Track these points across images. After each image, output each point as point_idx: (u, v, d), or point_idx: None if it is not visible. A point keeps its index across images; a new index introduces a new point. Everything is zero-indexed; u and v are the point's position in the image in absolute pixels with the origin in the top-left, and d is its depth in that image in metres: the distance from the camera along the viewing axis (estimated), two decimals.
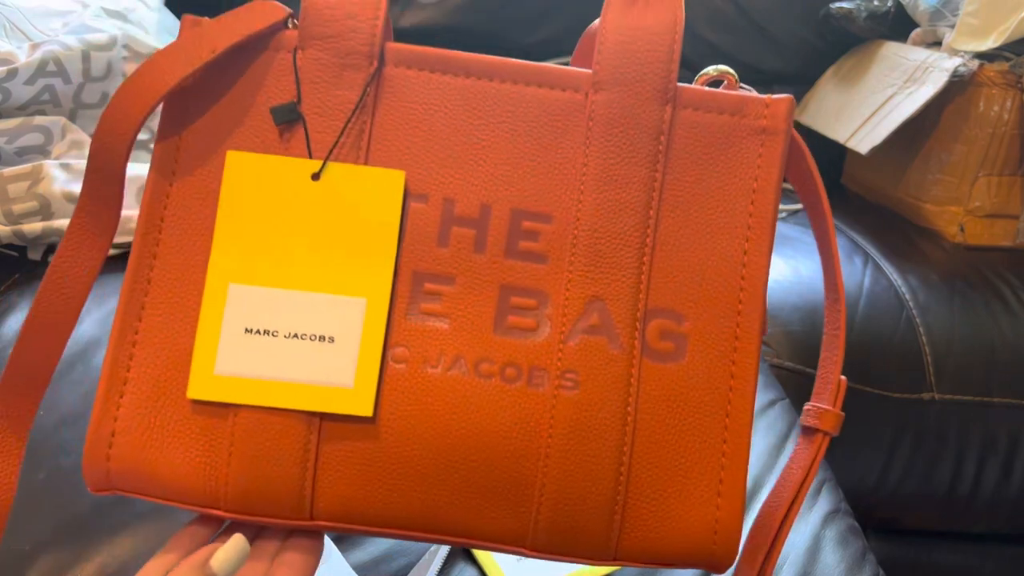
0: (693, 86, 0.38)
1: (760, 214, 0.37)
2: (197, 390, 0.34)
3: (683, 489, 0.35)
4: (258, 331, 0.34)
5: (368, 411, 0.34)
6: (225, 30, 0.34)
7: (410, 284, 0.35)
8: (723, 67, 0.39)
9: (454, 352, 0.35)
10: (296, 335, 0.34)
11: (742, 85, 0.39)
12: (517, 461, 0.34)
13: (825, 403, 0.41)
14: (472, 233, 0.36)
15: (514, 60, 0.37)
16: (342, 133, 0.35)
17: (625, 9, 0.37)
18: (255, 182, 0.35)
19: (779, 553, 0.39)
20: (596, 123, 0.36)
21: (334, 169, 0.35)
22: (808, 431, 0.41)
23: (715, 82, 0.40)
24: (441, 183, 0.36)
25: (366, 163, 0.35)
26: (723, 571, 0.36)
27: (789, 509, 0.39)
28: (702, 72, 0.40)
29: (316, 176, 0.35)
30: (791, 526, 0.39)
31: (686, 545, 0.35)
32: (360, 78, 0.35)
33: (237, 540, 0.33)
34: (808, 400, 0.41)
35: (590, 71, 0.36)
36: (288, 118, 0.35)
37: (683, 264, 0.36)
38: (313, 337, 0.34)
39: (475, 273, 0.35)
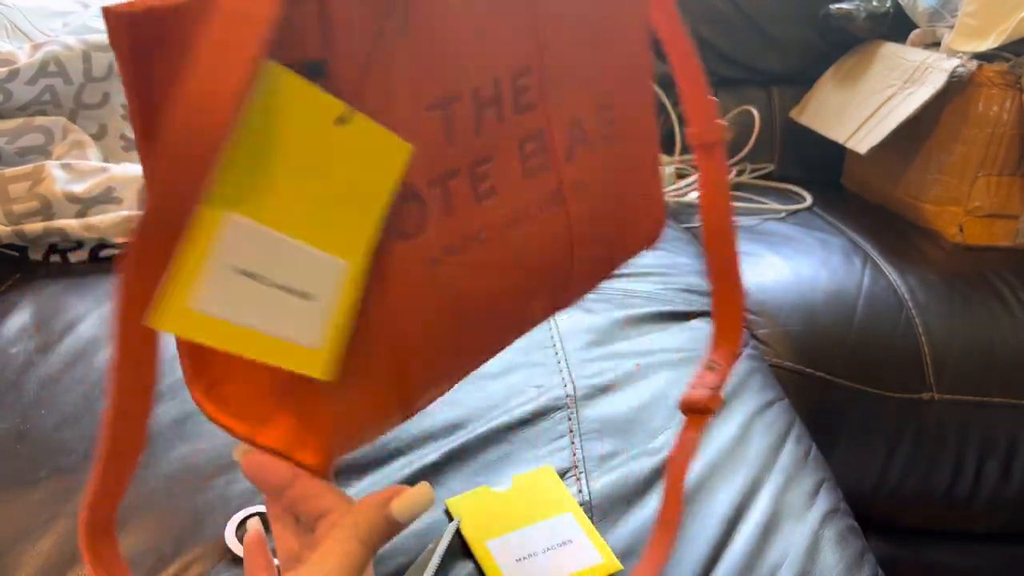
0: None
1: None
2: (162, 319, 0.30)
3: (637, 224, 0.47)
4: (243, 271, 0.31)
5: (328, 375, 0.33)
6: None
7: (470, 181, 0.38)
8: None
9: (510, 214, 0.40)
10: (279, 285, 0.32)
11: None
12: (558, 277, 0.43)
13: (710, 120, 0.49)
14: (494, 112, 0.38)
15: None
16: (371, 76, 0.33)
17: None
18: (280, 109, 0.31)
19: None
20: None
21: (357, 121, 0.33)
22: (707, 147, 0.48)
23: None
24: (468, 76, 0.37)
25: (394, 95, 0.34)
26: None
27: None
28: None
29: (342, 119, 0.32)
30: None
31: (639, 249, 0.48)
32: (393, 26, 0.33)
33: (423, 488, 0.33)
34: (811, 400, 0.41)
35: None
36: (318, 75, 0.32)
37: (608, 58, 0.43)
38: (295, 291, 0.32)
39: (502, 143, 0.39)
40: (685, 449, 0.45)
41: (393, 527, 0.32)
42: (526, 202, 0.40)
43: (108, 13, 0.29)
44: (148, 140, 0.31)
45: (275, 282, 0.32)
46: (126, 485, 0.33)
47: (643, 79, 0.46)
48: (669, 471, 0.46)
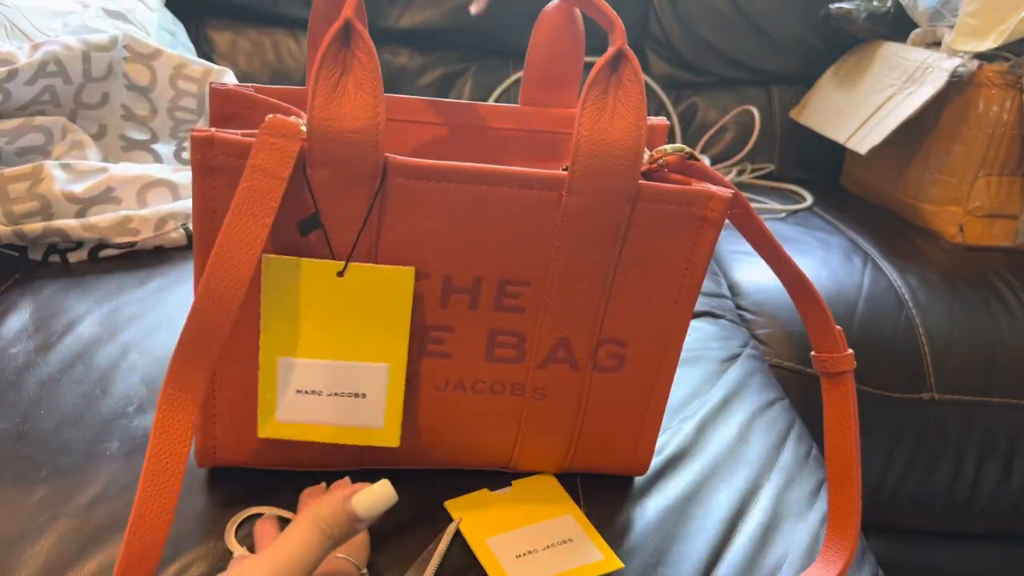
0: (651, 184, 0.43)
1: (691, 279, 0.46)
2: (265, 431, 0.44)
3: (613, 446, 0.50)
4: (306, 391, 0.43)
5: (396, 443, 0.45)
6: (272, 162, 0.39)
7: (420, 333, 0.45)
8: (678, 147, 0.44)
9: (456, 379, 0.46)
10: (336, 393, 0.43)
11: (695, 155, 0.44)
12: (499, 444, 0.49)
13: (837, 351, 0.48)
14: (467, 298, 0.44)
15: (499, 168, 0.42)
16: (356, 242, 0.42)
17: (596, 116, 0.41)
18: (289, 279, 0.41)
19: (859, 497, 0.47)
20: (568, 217, 0.43)
21: (355, 268, 0.42)
22: (832, 376, 0.48)
23: (661, 162, 0.45)
24: (441, 266, 0.43)
25: (377, 260, 0.42)
26: (643, 471, 0.52)
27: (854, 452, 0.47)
28: (658, 149, 0.45)
29: (340, 274, 0.42)
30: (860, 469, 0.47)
31: (616, 466, 0.51)
32: (366, 192, 0.41)
33: (383, 485, 0.33)
34: (811, 400, 0.42)
35: (564, 174, 0.42)
36: (311, 228, 0.41)
37: (630, 309, 0.46)
38: (350, 394, 0.43)
39: (469, 323, 0.45)
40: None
41: (354, 522, 0.33)
42: (480, 378, 0.46)
43: (192, 136, 0.40)
44: (201, 242, 0.42)
45: (333, 392, 0.43)
46: (155, 562, 0.37)
47: (665, 337, 0.47)
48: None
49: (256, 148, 0.38)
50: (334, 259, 0.42)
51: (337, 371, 0.42)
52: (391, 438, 0.44)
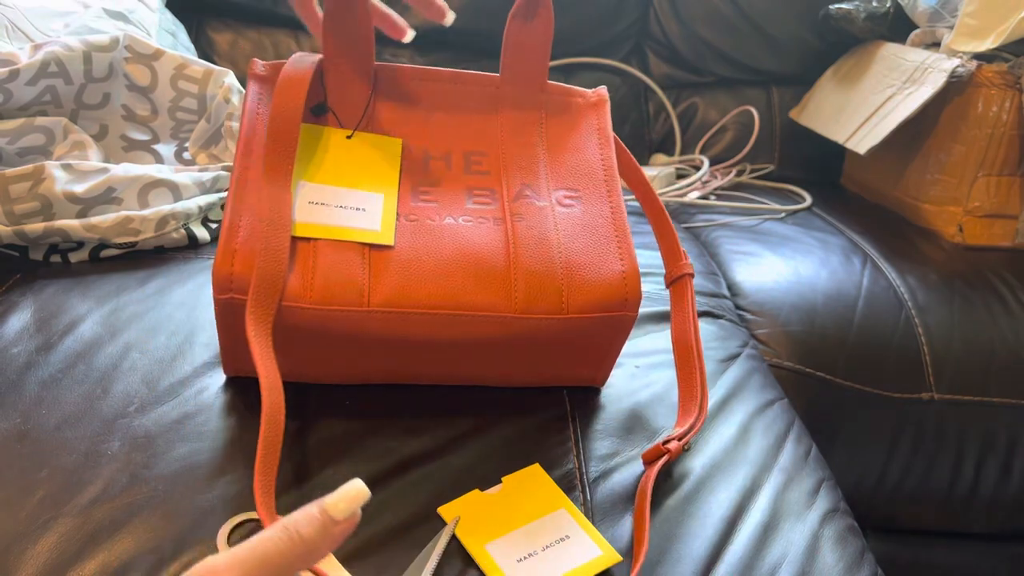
0: (554, 83, 0.62)
1: (604, 139, 0.61)
2: (294, 229, 0.53)
3: (598, 262, 0.55)
4: (317, 203, 0.54)
5: (390, 241, 0.53)
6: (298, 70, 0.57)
7: (410, 191, 0.57)
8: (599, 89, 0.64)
9: (445, 213, 0.56)
10: (341, 206, 0.54)
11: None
12: (496, 258, 0.54)
13: (679, 259, 0.62)
14: (443, 164, 0.59)
15: (455, 70, 0.61)
16: (361, 119, 0.59)
17: (519, 25, 0.60)
18: (316, 139, 0.58)
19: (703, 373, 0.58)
20: (505, 103, 0.61)
21: (358, 135, 0.59)
22: (676, 281, 0.62)
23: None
24: (419, 142, 0.59)
25: (371, 131, 0.59)
26: (634, 311, 0.55)
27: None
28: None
29: (349, 137, 0.58)
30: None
31: (608, 294, 0.54)
32: (365, 86, 0.60)
33: (354, 482, 0.33)
34: (810, 400, 0.42)
35: (498, 75, 0.61)
36: (321, 112, 0.59)
37: (567, 166, 0.60)
38: (352, 208, 0.54)
39: (449, 180, 0.58)
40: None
41: (327, 522, 0.32)
42: (465, 215, 0.56)
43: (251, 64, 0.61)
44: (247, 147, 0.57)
45: (339, 205, 0.55)
46: (280, 281, 0.50)
47: (605, 180, 0.60)
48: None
49: (291, 59, 0.58)
50: (342, 128, 0.59)
51: (342, 193, 0.55)
52: (386, 237, 0.53)
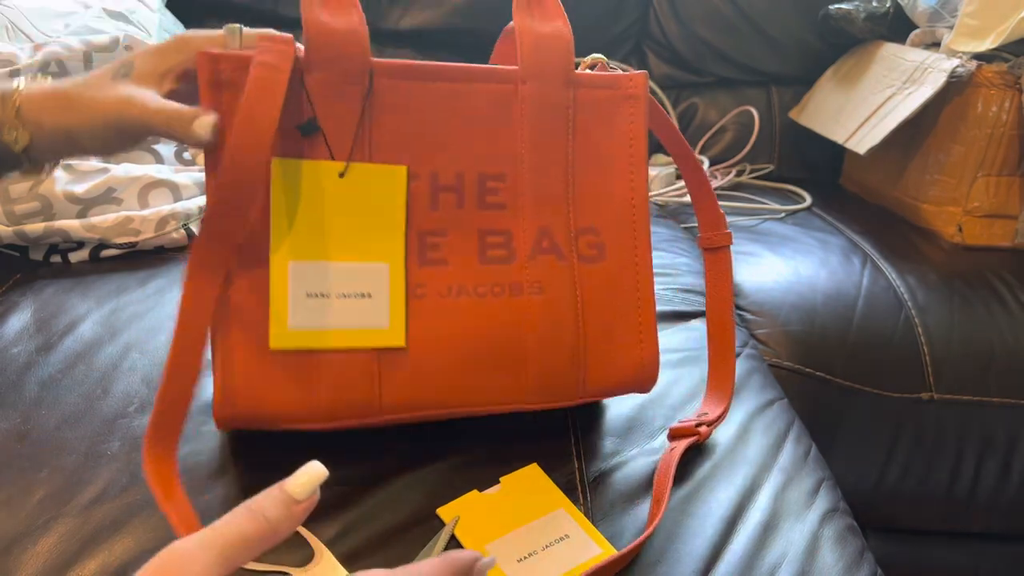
0: (582, 71, 0.52)
1: (637, 155, 0.53)
2: (278, 341, 0.45)
3: (617, 341, 0.53)
4: (315, 294, 0.45)
5: (401, 343, 0.47)
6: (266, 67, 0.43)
7: (417, 241, 0.49)
8: (595, 55, 0.54)
9: (458, 284, 0.49)
10: (343, 295, 0.46)
11: (610, 64, 0.54)
12: (512, 345, 0.50)
13: (719, 228, 0.59)
14: (453, 196, 0.49)
15: (465, 65, 0.49)
16: (354, 142, 0.47)
17: (527, 17, 0.51)
18: (296, 181, 0.45)
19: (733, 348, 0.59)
20: (526, 104, 0.50)
21: (355, 168, 0.46)
22: (714, 251, 0.59)
23: (592, 65, 0.55)
24: (427, 163, 0.49)
25: (371, 159, 0.47)
26: (648, 391, 0.55)
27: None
28: (580, 60, 0.53)
29: (342, 175, 0.46)
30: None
31: (624, 377, 0.53)
32: (358, 92, 0.47)
33: (312, 464, 0.34)
34: (810, 400, 0.42)
35: (516, 68, 0.50)
36: (311, 131, 0.46)
37: (593, 195, 0.52)
38: (356, 295, 0.46)
39: (459, 224, 0.49)
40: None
41: (289, 502, 0.33)
42: (479, 281, 0.50)
43: (200, 55, 0.44)
44: (210, 156, 0.44)
45: (341, 293, 0.45)
46: (186, 408, 0.42)
47: (632, 218, 0.53)
48: None
49: (259, 51, 0.43)
50: (334, 160, 0.46)
51: (343, 272, 0.46)
52: (397, 337, 0.47)
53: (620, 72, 0.53)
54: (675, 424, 0.56)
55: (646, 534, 0.47)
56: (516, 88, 0.50)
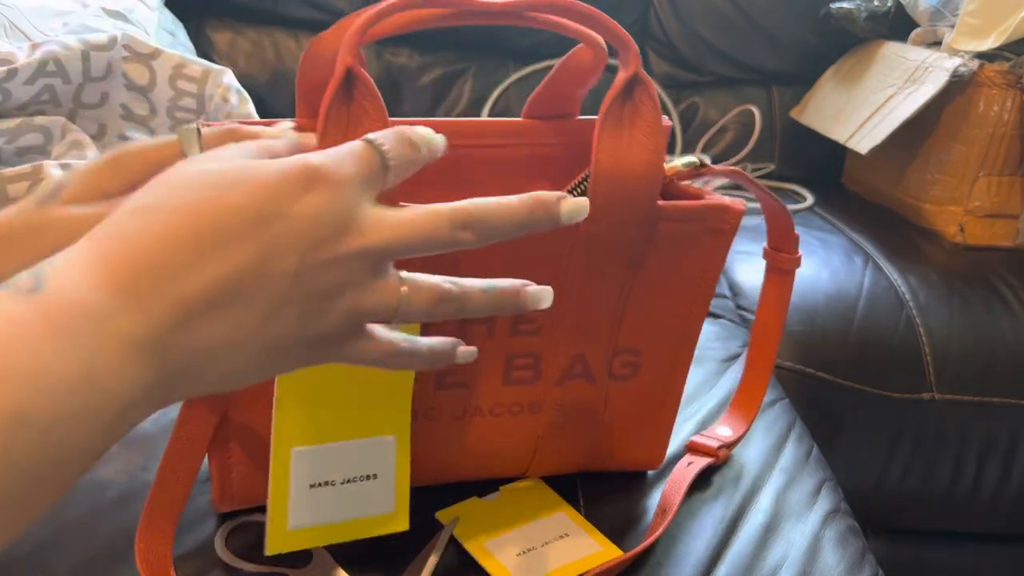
0: (669, 204, 0.42)
1: (705, 288, 0.46)
2: (275, 546, 0.40)
3: (631, 443, 0.51)
4: (319, 483, 0.40)
5: (405, 527, 0.43)
6: None
7: (435, 378, 0.44)
8: (690, 159, 0.44)
9: (474, 405, 0.46)
10: (349, 480, 0.41)
11: (704, 163, 0.45)
12: (521, 449, 0.48)
13: (792, 251, 0.53)
14: (484, 328, 0.43)
15: (528, 154, 0.44)
16: None
17: (613, 148, 0.40)
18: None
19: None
20: (582, 244, 0.42)
21: None
22: (782, 272, 0.54)
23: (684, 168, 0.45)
24: None
25: None
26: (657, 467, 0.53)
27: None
28: (670, 166, 0.44)
29: None
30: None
31: (630, 464, 0.52)
32: None
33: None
34: (811, 400, 0.42)
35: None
36: None
37: (646, 320, 0.46)
38: (362, 477, 0.41)
39: (487, 352, 0.44)
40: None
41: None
42: (497, 402, 0.46)
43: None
44: None
45: (346, 478, 0.40)
46: (178, 511, 0.40)
47: (681, 336, 0.48)
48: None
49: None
50: None
51: (347, 453, 0.41)
52: (401, 522, 0.43)
53: (713, 201, 0.44)
54: (697, 439, 0.55)
55: (650, 539, 0.46)
56: (577, 227, 0.40)
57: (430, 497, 0.49)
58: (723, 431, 0.56)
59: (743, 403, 0.58)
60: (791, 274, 0.53)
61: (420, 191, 0.37)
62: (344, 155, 0.29)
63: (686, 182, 0.46)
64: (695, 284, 0.46)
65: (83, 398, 0.23)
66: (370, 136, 0.31)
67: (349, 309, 0.29)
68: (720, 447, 0.54)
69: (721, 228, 0.44)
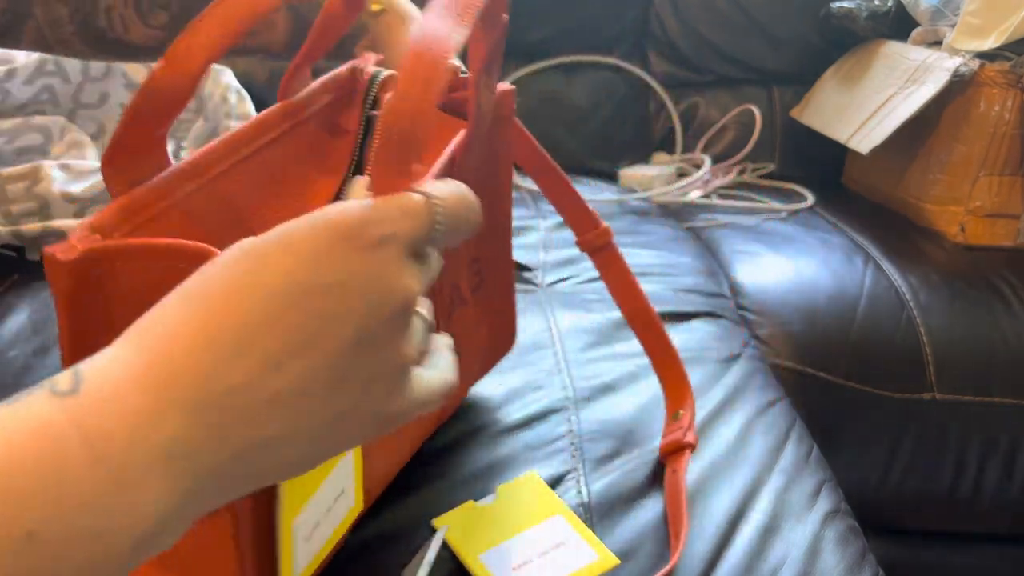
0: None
1: (503, 174, 0.51)
2: None
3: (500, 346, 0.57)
4: (312, 530, 0.40)
5: (361, 508, 0.44)
6: None
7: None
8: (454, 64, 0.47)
9: None
10: (328, 509, 0.41)
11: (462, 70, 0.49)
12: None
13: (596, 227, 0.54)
14: (459, 299, 0.49)
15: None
16: None
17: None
18: None
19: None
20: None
21: None
22: (599, 250, 0.54)
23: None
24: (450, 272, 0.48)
25: None
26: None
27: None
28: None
29: None
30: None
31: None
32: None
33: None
34: (812, 401, 0.41)
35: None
36: None
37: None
38: (335, 499, 0.42)
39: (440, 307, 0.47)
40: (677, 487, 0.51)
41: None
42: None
43: (45, 256, 0.31)
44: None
45: (327, 509, 0.41)
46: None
47: (503, 230, 0.52)
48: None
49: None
50: None
51: (325, 490, 0.41)
52: (358, 505, 0.44)
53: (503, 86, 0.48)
54: (664, 443, 0.55)
55: (670, 566, 0.46)
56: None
57: (424, 499, 0.49)
58: (676, 418, 0.56)
59: (670, 380, 0.57)
60: (610, 246, 0.54)
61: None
62: (393, 210, 0.27)
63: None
64: (495, 175, 0.50)
65: (107, 515, 0.22)
66: (431, 190, 0.28)
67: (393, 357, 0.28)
68: (684, 432, 0.54)
69: (503, 115, 0.49)
